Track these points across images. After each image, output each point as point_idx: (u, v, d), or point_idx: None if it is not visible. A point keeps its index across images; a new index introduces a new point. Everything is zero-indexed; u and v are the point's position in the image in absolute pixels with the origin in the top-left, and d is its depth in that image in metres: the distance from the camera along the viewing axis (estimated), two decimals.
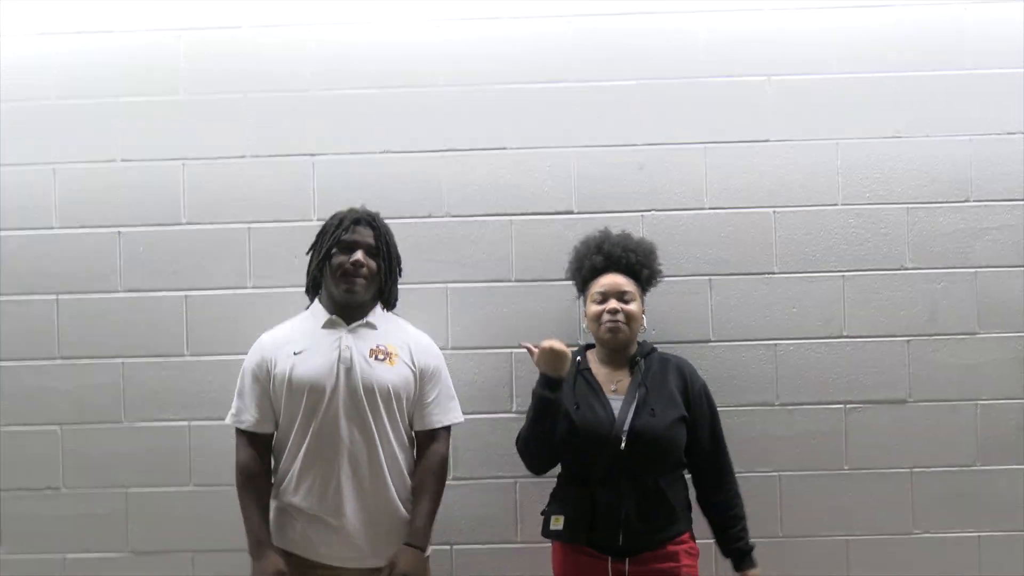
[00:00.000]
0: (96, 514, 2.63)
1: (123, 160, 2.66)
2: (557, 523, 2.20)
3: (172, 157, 2.65)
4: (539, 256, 2.63)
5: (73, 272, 2.65)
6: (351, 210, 2.25)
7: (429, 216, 2.65)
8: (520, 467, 2.55)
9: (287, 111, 2.66)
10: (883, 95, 2.64)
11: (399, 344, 2.21)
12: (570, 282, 2.57)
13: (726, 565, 2.28)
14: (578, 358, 2.33)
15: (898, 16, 2.66)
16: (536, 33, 2.66)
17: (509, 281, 2.64)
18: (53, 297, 2.65)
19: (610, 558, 2.16)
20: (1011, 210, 2.63)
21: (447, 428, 2.27)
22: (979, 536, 2.61)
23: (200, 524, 2.62)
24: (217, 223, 2.65)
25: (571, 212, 2.64)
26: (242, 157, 2.65)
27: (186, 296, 2.64)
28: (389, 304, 2.28)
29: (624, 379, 2.27)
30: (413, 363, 2.21)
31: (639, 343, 2.34)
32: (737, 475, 2.56)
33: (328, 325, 2.17)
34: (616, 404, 2.21)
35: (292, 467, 2.14)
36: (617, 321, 2.23)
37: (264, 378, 2.18)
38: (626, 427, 2.16)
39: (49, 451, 2.64)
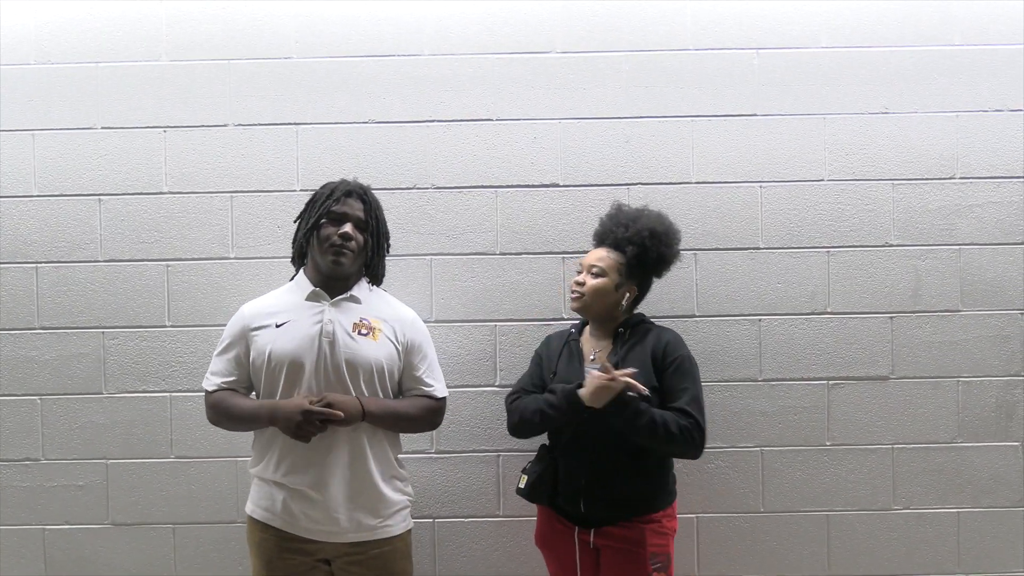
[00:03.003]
0: (76, 485, 2.62)
1: (103, 127, 2.62)
2: (522, 481, 2.25)
3: (153, 125, 2.62)
4: (524, 228, 2.62)
5: (53, 240, 2.62)
6: (342, 181, 2.19)
7: (414, 187, 2.63)
8: (503, 441, 2.58)
9: (270, 79, 2.63)
10: (871, 70, 2.63)
11: (383, 319, 2.16)
12: (555, 255, 2.62)
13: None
14: (572, 329, 2.34)
15: None
16: (523, 3, 2.63)
17: (494, 254, 2.63)
18: (32, 265, 2.62)
19: (576, 527, 2.18)
20: (996, 187, 2.63)
21: (442, 399, 2.24)
22: (959, 512, 2.63)
23: (181, 496, 2.61)
24: (199, 192, 2.62)
25: (556, 185, 2.63)
26: (224, 125, 2.62)
27: (168, 265, 2.62)
28: (376, 279, 2.24)
29: (607, 349, 2.26)
30: (397, 338, 2.17)
31: (632, 314, 2.32)
32: (720, 450, 2.60)
33: (311, 297, 2.12)
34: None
35: (274, 443, 2.09)
36: (577, 293, 2.23)
37: (242, 350, 2.13)
38: None
39: (28, 422, 2.62)
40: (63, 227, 2.62)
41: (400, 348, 2.17)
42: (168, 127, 2.62)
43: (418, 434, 2.44)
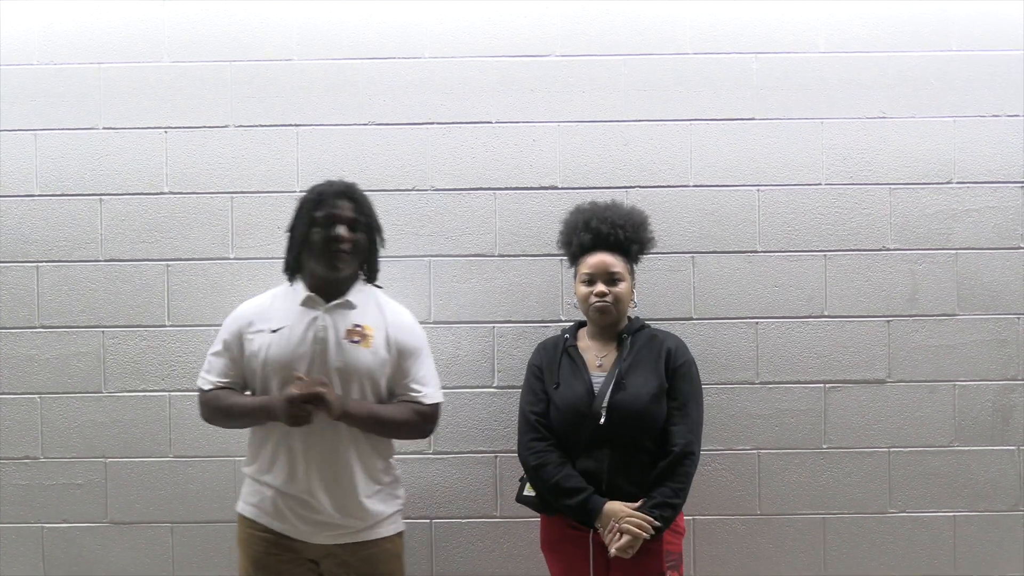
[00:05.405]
0: (75, 484, 2.62)
1: (105, 127, 2.64)
2: (531, 489, 2.23)
3: (154, 125, 2.63)
4: (523, 231, 2.63)
5: (53, 239, 2.63)
6: (327, 183, 2.15)
7: (413, 189, 2.64)
8: (500, 442, 2.60)
9: (271, 80, 2.64)
10: (869, 75, 2.64)
11: (377, 324, 2.13)
12: (554, 257, 2.60)
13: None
14: (566, 336, 2.33)
15: None
16: (522, 6, 2.65)
17: (492, 256, 2.64)
18: (33, 264, 2.63)
19: (592, 530, 2.16)
20: (993, 192, 2.64)
21: (434, 405, 2.19)
22: (954, 516, 2.63)
23: (179, 495, 2.62)
24: (200, 192, 2.63)
25: (555, 187, 2.64)
26: (225, 126, 2.64)
27: (168, 265, 2.63)
28: (372, 276, 2.22)
29: (611, 355, 2.26)
30: (389, 344, 2.13)
31: (630, 319, 2.33)
32: (716, 452, 2.60)
33: (306, 303, 2.11)
34: (598, 381, 2.21)
35: (264, 446, 2.11)
36: (606, 303, 2.22)
37: (237, 351, 2.14)
38: (605, 403, 2.15)
39: (28, 420, 2.63)
40: (64, 226, 2.63)
41: (392, 353, 2.14)
42: (169, 128, 2.64)
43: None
